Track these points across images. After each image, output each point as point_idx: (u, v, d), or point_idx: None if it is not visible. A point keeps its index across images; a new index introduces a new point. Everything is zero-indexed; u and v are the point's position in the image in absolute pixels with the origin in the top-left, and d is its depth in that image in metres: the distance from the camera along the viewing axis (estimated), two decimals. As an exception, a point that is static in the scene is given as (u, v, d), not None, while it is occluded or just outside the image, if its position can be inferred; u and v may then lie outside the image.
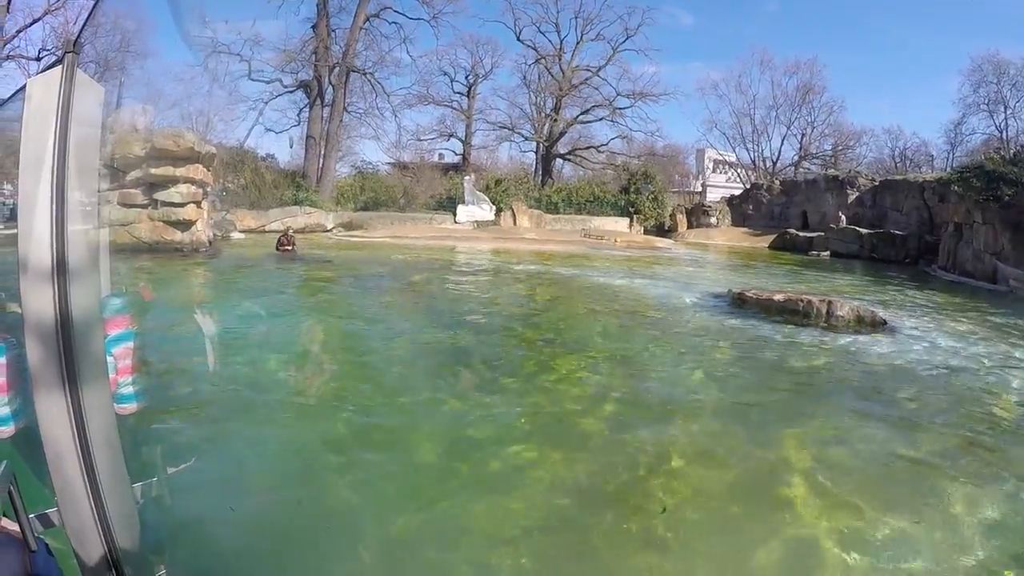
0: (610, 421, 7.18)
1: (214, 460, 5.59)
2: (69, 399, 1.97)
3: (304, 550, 4.49)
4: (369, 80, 44.69)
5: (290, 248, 23.44)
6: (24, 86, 2.03)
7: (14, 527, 2.22)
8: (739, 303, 14.52)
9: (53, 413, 1.99)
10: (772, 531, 4.96)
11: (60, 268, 1.94)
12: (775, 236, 37.11)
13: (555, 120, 50.33)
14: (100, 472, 2.05)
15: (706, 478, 5.86)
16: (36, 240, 1.95)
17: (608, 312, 14.08)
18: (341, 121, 42.52)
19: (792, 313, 13.21)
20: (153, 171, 22.15)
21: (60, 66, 1.97)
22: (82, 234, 2.07)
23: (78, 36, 1.98)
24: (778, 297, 13.91)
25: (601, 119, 51.02)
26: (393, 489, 5.47)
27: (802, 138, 52.20)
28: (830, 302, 13.11)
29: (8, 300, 6.13)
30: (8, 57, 40.55)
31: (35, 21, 40.72)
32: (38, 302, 1.95)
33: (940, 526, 5.14)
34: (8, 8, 39.34)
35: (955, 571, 4.57)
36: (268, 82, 42.85)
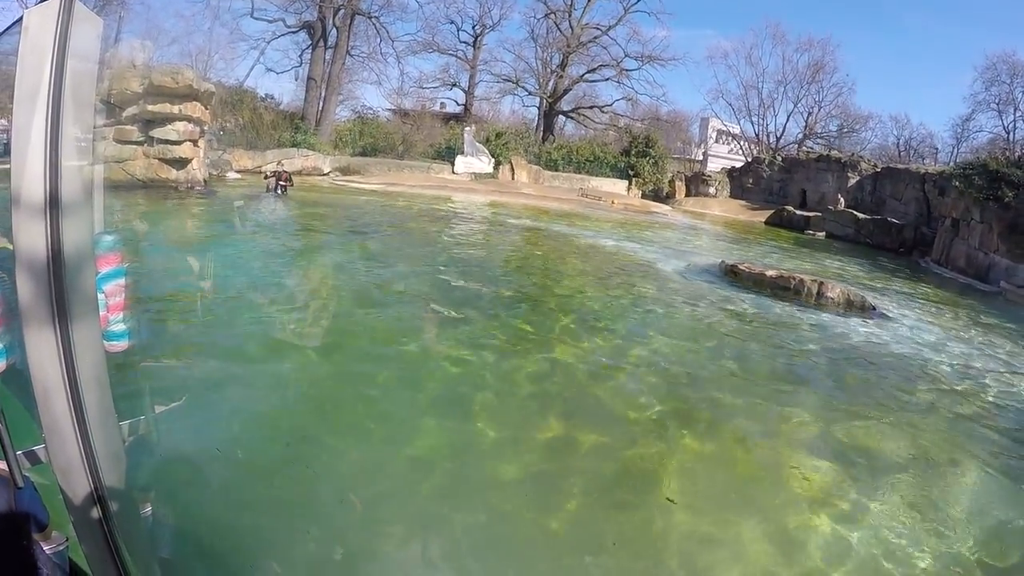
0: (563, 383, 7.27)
1: (203, 399, 5.62)
2: (59, 336, 1.96)
3: (290, 492, 4.56)
4: (374, 23, 43.84)
5: (286, 186, 23.24)
6: (21, 18, 1.98)
7: (1, 464, 2.24)
8: (731, 275, 14.55)
9: (42, 349, 1.98)
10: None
11: (53, 203, 1.92)
12: (772, 212, 37.10)
13: (560, 77, 49.64)
14: (88, 409, 2.06)
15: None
16: (29, 175, 1.92)
17: (594, 274, 14.10)
18: (343, 64, 41.82)
19: (783, 290, 13.29)
20: (150, 108, 21.81)
21: (59, -4, 1.92)
22: (76, 170, 2.04)
23: (78, -36, 1.93)
24: (771, 273, 13.97)
25: (607, 79, 50.32)
26: (380, 432, 5.52)
27: (808, 116, 51.59)
28: (821, 283, 13.19)
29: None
30: None
31: None
32: (29, 237, 1.93)
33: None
34: None
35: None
36: (271, 21, 41.95)
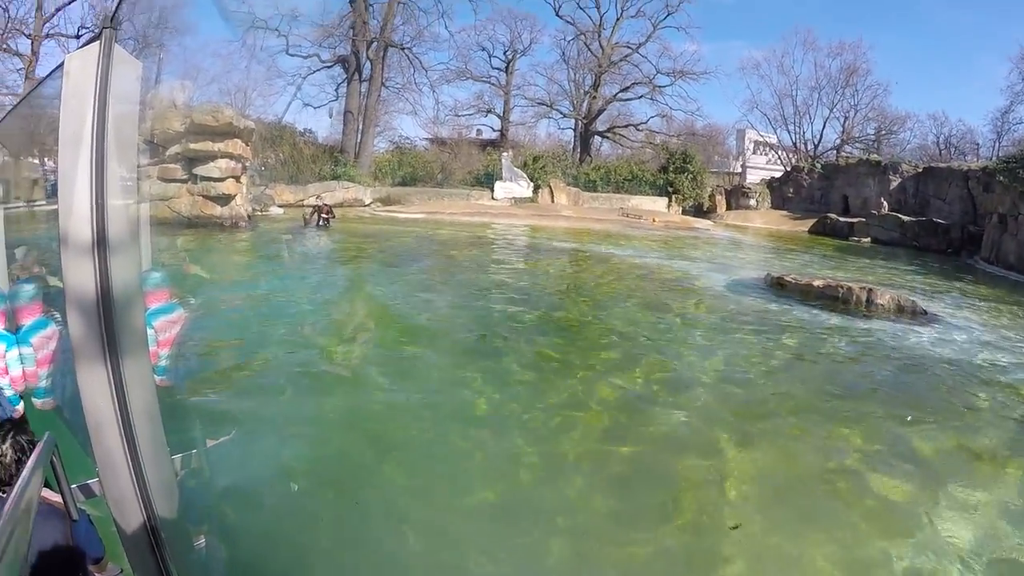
0: (628, 403, 7.16)
1: (254, 433, 5.67)
2: (110, 371, 1.99)
3: (343, 526, 4.55)
4: (407, 55, 44.60)
5: (328, 219, 23.59)
6: (62, 63, 2.04)
7: (56, 498, 2.28)
8: (778, 287, 14.30)
9: (94, 385, 2.02)
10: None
11: (100, 242, 1.96)
12: (815, 220, 36.29)
13: (594, 97, 49.71)
14: (140, 443, 2.08)
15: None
16: (76, 215, 1.97)
17: (639, 294, 13.96)
18: (379, 96, 42.54)
19: (832, 299, 12.99)
20: (192, 146, 22.43)
21: (98, 42, 1.97)
22: (122, 209, 2.09)
23: (115, 11, 1.99)
24: (818, 283, 13.68)
25: (640, 97, 50.24)
26: (433, 467, 5.50)
27: (844, 121, 50.63)
28: (870, 290, 12.86)
29: (48, 275, 6.31)
30: (48, 36, 41.27)
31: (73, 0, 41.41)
32: (79, 276, 1.97)
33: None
34: None
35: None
36: (306, 57, 42.95)
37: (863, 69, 49.70)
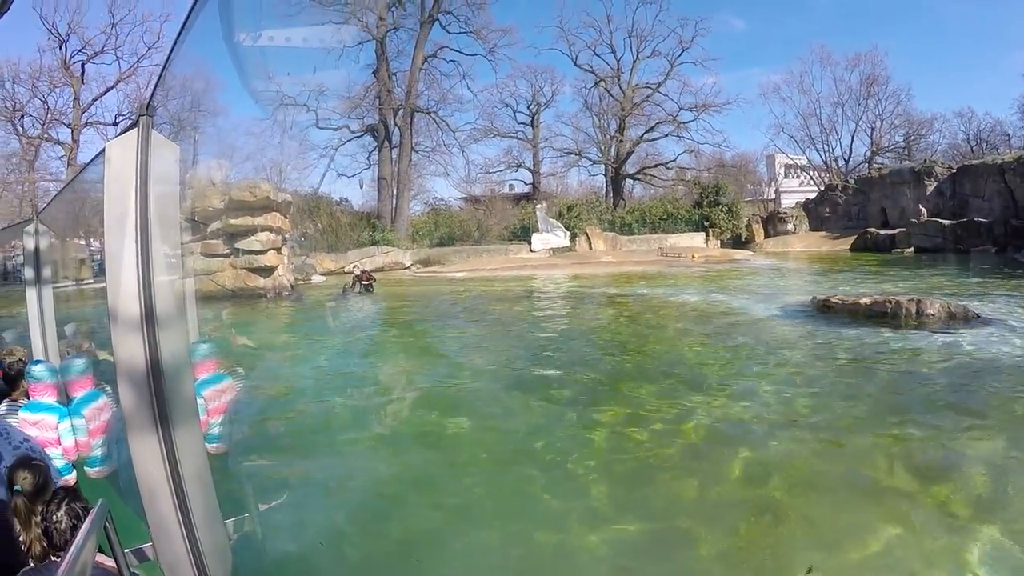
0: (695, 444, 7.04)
1: (305, 497, 5.72)
2: (162, 440, 2.08)
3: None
4: (433, 118, 45.86)
5: (369, 285, 23.96)
6: (103, 150, 2.18)
7: (110, 562, 2.35)
8: (825, 309, 14.05)
9: (147, 453, 2.10)
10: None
11: (148, 318, 2.06)
12: (855, 237, 35.69)
13: (621, 141, 50.15)
14: (193, 508, 2.15)
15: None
16: (124, 292, 2.08)
17: (687, 332, 13.81)
18: (410, 160, 43.57)
19: (880, 316, 12.68)
20: (232, 221, 23.18)
21: (136, 128, 2.10)
22: (167, 284, 2.19)
23: (150, 99, 2.13)
24: (865, 300, 13.39)
25: (667, 135, 50.60)
26: (480, 517, 5.47)
27: (872, 132, 50.11)
28: (919, 301, 12.53)
29: (98, 349, 6.53)
30: (86, 124, 43.61)
31: (109, 89, 43.98)
32: (129, 350, 2.08)
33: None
34: (83, 79, 42.60)
35: None
36: (336, 129, 44.42)
37: (883, 77, 49.38)
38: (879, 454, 6.46)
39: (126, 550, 2.55)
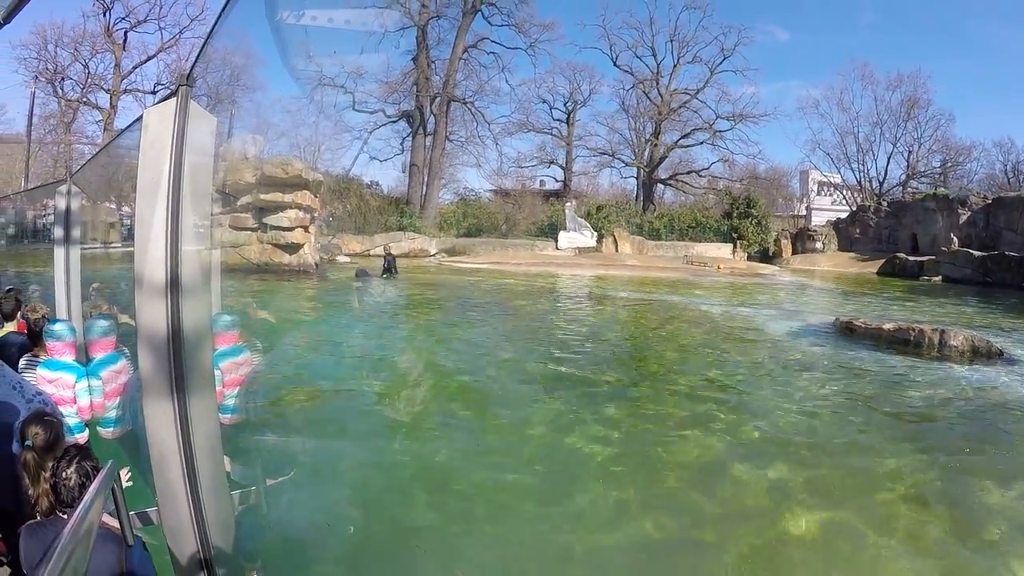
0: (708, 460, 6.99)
1: (312, 474, 5.76)
2: (176, 406, 2.10)
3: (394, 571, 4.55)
4: (469, 109, 45.98)
5: (391, 267, 24.13)
6: (140, 117, 2.20)
7: (114, 522, 2.39)
8: (847, 332, 13.90)
9: (160, 418, 2.12)
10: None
11: (173, 285, 2.07)
12: (884, 261, 35.24)
13: (655, 145, 49.96)
14: (201, 476, 2.17)
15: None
16: (151, 258, 2.10)
17: (706, 344, 13.72)
18: (443, 149, 43.76)
19: (903, 343, 12.51)
20: (263, 197, 23.37)
21: (175, 98, 2.12)
22: (195, 254, 2.21)
23: (191, 70, 2.13)
24: (888, 326, 13.22)
25: (702, 143, 50.41)
26: (483, 512, 5.48)
27: (909, 155, 49.51)
28: (942, 332, 12.34)
29: (119, 312, 6.62)
30: (125, 91, 44.45)
31: (150, 58, 44.89)
32: (152, 315, 2.09)
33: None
34: (124, 46, 43.25)
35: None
36: (372, 112, 44.78)
37: (924, 100, 48.76)
38: (880, 481, 6.39)
39: (131, 512, 2.59)
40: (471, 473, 6.23)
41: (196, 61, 2.10)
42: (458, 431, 7.43)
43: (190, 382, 2.12)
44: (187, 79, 2.16)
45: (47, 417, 3.00)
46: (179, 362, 2.09)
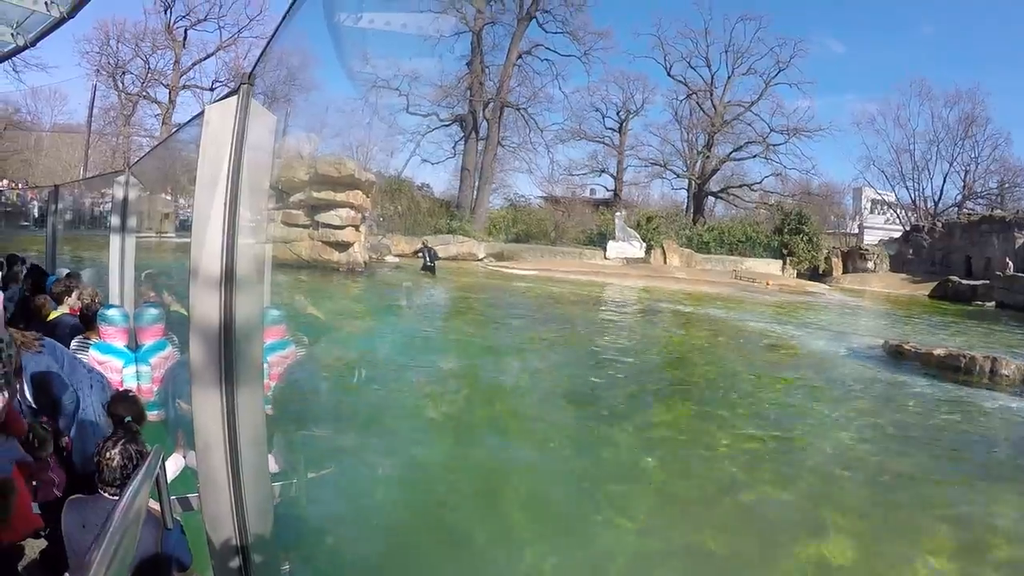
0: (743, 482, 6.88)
1: (352, 469, 5.80)
2: (224, 397, 2.13)
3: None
4: (522, 115, 46.03)
5: (430, 260, 24.31)
6: (200, 112, 2.25)
7: (154, 505, 2.45)
8: (896, 356, 13.55)
9: (208, 408, 2.16)
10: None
11: (228, 278, 2.11)
12: (936, 284, 33.92)
13: (707, 157, 49.34)
14: (244, 466, 2.20)
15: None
16: (208, 251, 2.15)
17: (754, 361, 13.51)
18: (495, 154, 43.96)
19: (953, 370, 12.13)
20: (315, 195, 23.76)
21: (236, 95, 2.16)
22: (250, 249, 2.25)
23: (253, 69, 2.18)
24: (938, 351, 12.83)
25: (754, 156, 49.40)
26: (522, 519, 5.47)
27: (965, 175, 47.67)
28: (994, 359, 11.91)
29: (170, 300, 6.78)
30: (184, 87, 45.85)
31: (208, 56, 46.33)
32: (205, 307, 2.14)
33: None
34: (184, 43, 44.48)
35: None
36: (425, 116, 45.10)
37: (981, 118, 46.69)
38: (918, 510, 6.22)
39: (172, 496, 2.66)
40: (512, 476, 6.23)
41: (258, 61, 2.14)
42: (492, 434, 7.46)
43: (239, 374, 2.16)
44: (248, 78, 2.20)
45: (130, 394, 3.38)
46: (230, 354, 2.12)
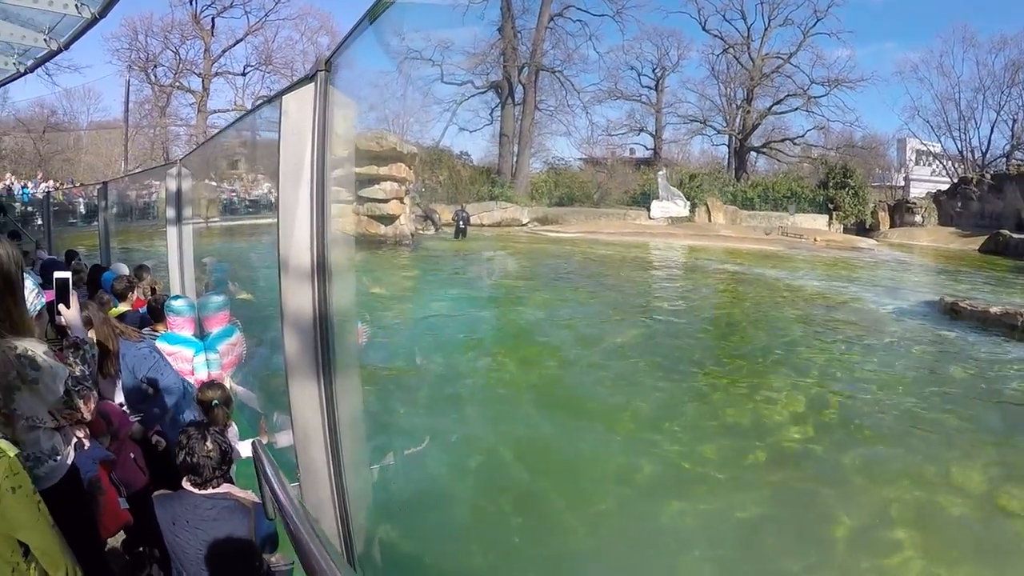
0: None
1: (442, 445, 5.83)
2: (322, 387, 2.14)
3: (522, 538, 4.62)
4: (558, 78, 45.31)
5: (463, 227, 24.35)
6: (267, 99, 2.23)
7: (244, 494, 2.51)
8: (951, 313, 13.22)
9: (306, 399, 2.18)
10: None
11: (320, 269, 2.11)
12: (986, 238, 32.56)
13: (747, 111, 47.99)
14: (344, 454, 2.22)
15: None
16: (296, 244, 2.14)
17: (813, 319, 13.32)
18: (533, 119, 43.48)
19: (1010, 328, 11.80)
20: (358, 170, 23.82)
21: (313, 83, 2.13)
22: (340, 238, 2.25)
23: (331, 55, 2.14)
24: (995, 310, 12.47)
25: (796, 109, 47.76)
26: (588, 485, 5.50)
27: (1013, 124, 45.02)
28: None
29: (233, 287, 6.89)
30: (216, 74, 46.67)
31: (238, 42, 46.98)
32: (298, 299, 2.14)
33: None
34: (212, 32, 44.76)
35: None
36: (460, 84, 44.68)
37: None
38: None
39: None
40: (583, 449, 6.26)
41: (339, 48, 2.10)
42: (552, 405, 7.49)
43: (336, 363, 2.16)
44: (326, 64, 2.16)
45: (216, 381, 3.67)
46: (326, 344, 2.12)
